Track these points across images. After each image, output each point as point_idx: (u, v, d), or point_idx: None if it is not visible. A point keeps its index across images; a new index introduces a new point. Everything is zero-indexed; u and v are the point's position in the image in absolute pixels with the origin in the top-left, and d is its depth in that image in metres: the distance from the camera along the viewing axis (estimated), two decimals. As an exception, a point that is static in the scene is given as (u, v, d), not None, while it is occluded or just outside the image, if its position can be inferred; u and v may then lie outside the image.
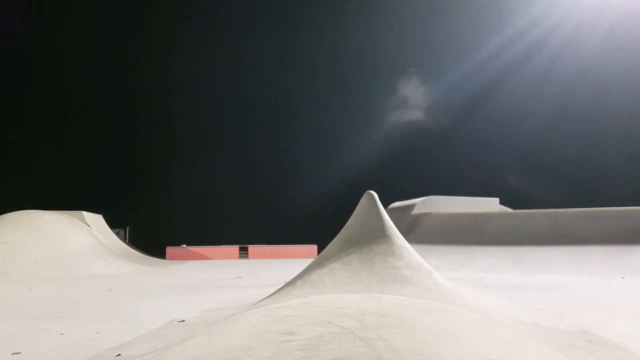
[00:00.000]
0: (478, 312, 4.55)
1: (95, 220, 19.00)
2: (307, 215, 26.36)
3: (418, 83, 30.21)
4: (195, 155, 30.90)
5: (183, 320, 5.77)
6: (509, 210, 19.46)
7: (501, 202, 20.97)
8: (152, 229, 25.73)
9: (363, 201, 6.40)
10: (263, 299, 5.49)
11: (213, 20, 30.87)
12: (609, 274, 10.77)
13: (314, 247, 23.16)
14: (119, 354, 4.11)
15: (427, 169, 28.28)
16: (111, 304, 7.58)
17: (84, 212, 18.29)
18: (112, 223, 21.16)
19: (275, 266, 17.23)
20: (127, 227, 25.19)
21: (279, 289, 5.62)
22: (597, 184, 25.73)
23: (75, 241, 15.43)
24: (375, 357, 2.31)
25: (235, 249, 24.56)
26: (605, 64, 27.68)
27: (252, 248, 24.55)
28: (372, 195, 6.38)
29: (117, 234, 21.57)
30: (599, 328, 4.75)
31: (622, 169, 25.98)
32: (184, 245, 24.66)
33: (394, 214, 13.35)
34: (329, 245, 6.12)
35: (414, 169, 28.34)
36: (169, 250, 23.87)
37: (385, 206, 6.76)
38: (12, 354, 4.18)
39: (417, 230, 16.48)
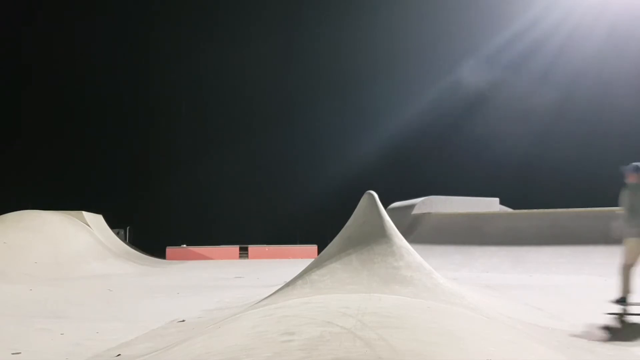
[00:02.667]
0: (478, 312, 4.55)
1: (95, 220, 19.00)
2: (307, 215, 26.37)
3: (418, 83, 30.20)
4: (196, 155, 30.92)
5: (183, 320, 5.77)
6: (509, 210, 19.46)
7: (501, 202, 20.97)
8: (152, 229, 25.74)
9: (363, 201, 6.40)
10: (263, 299, 5.49)
11: (214, 20, 30.89)
12: (609, 274, 10.75)
13: (314, 247, 23.16)
14: (119, 354, 4.11)
15: (427, 169, 28.28)
16: (111, 304, 7.57)
17: (84, 212, 18.29)
18: (112, 223, 21.16)
19: (275, 266, 17.23)
20: (127, 227, 25.20)
21: (279, 289, 5.61)
22: (597, 184, 25.71)
23: (75, 241, 15.42)
24: (375, 357, 2.31)
25: (235, 249, 24.56)
26: (606, 63, 27.67)
27: (252, 248, 24.55)
28: (372, 196, 6.37)
29: (117, 234, 21.57)
30: (598, 328, 4.75)
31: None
32: (184, 245, 24.67)
33: (394, 214, 13.34)
34: (329, 245, 6.12)
35: (414, 169, 28.35)
36: (169, 250, 23.88)
37: (385, 206, 6.76)
38: (12, 354, 4.17)
39: (417, 230, 16.48)
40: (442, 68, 29.91)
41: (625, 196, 5.98)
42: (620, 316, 5.36)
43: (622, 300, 5.53)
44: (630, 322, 5.25)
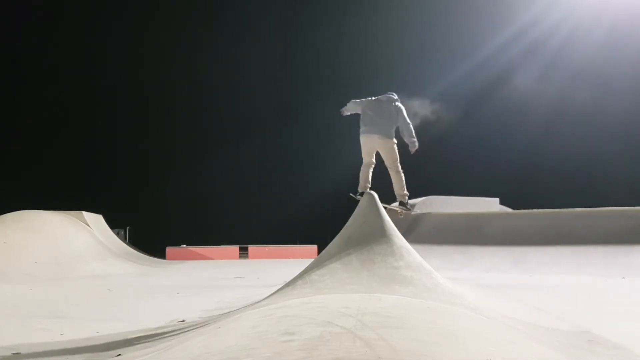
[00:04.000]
0: (478, 312, 4.55)
1: (95, 220, 19.00)
2: (307, 215, 26.36)
3: (418, 82, 30.19)
4: (196, 155, 30.92)
5: (183, 320, 5.77)
6: (509, 210, 19.46)
7: (501, 202, 20.97)
8: (152, 229, 25.75)
9: (363, 201, 6.40)
10: (263, 299, 5.49)
11: (213, 19, 30.88)
12: (609, 274, 10.76)
13: (314, 247, 23.16)
14: (119, 354, 4.11)
15: (427, 169, 28.26)
16: (111, 304, 7.57)
17: (84, 212, 18.29)
18: (112, 223, 21.16)
19: (275, 266, 17.23)
20: (127, 227, 25.20)
21: (279, 289, 5.61)
22: (597, 184, 25.74)
23: (75, 241, 15.43)
24: (375, 357, 2.31)
25: (235, 249, 24.56)
26: (606, 64, 27.68)
27: (252, 248, 24.55)
28: (372, 195, 6.38)
29: (117, 234, 21.57)
30: (599, 328, 4.75)
31: (622, 169, 25.99)
32: (184, 245, 24.66)
33: (394, 214, 13.31)
34: (329, 245, 6.12)
35: (414, 169, 28.30)
36: (169, 250, 23.87)
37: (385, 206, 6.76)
38: (12, 354, 4.17)
39: (417, 230, 16.47)
40: (441, 68, 29.90)
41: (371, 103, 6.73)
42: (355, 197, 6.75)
43: (360, 194, 6.74)
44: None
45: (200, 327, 4.89)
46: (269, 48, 30.07)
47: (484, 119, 28.51)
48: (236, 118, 31.07)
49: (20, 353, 4.21)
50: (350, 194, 6.94)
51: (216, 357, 2.65)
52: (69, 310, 6.90)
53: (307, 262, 6.64)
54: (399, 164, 6.90)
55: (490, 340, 3.26)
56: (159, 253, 22.73)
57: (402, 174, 6.93)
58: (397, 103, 7.00)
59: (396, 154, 6.88)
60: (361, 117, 7.12)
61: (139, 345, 4.43)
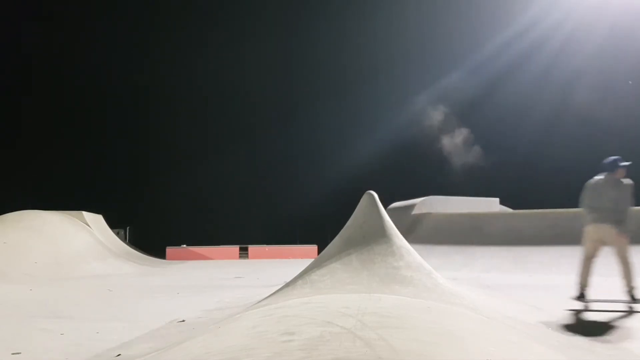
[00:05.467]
0: (478, 312, 4.56)
1: (95, 220, 19.00)
2: (307, 215, 26.37)
3: (418, 83, 30.19)
4: (196, 155, 30.93)
5: (183, 320, 5.77)
6: (509, 210, 19.45)
7: (501, 202, 20.96)
8: (152, 229, 25.76)
9: (363, 201, 6.40)
10: (263, 299, 5.49)
11: (214, 20, 30.89)
12: (608, 274, 10.74)
13: (314, 247, 23.15)
14: (119, 354, 4.11)
15: (427, 169, 28.29)
16: (111, 304, 7.57)
17: (84, 212, 18.30)
18: (112, 223, 21.17)
19: (275, 266, 17.23)
20: (127, 227, 25.21)
21: (279, 289, 5.62)
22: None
23: (75, 241, 15.42)
24: (375, 357, 2.31)
25: (235, 249, 24.56)
26: (606, 64, 27.68)
27: (252, 248, 24.55)
28: (372, 196, 6.37)
29: (117, 234, 21.58)
30: (598, 328, 4.75)
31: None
32: (184, 245, 24.66)
33: (394, 214, 13.33)
34: (329, 245, 6.12)
35: (414, 170, 28.36)
36: (169, 250, 23.87)
37: (385, 206, 6.76)
38: (12, 354, 4.17)
39: (417, 230, 16.46)
40: (443, 68, 29.92)
41: (609, 191, 6.04)
42: (580, 312, 5.64)
43: (581, 296, 5.90)
44: (590, 318, 5.40)
45: (201, 327, 4.89)
46: (269, 48, 30.08)
47: (484, 119, 28.53)
48: (236, 118, 31.10)
49: (20, 353, 4.21)
50: (574, 298, 5.90)
51: (216, 357, 2.64)
52: (69, 310, 6.89)
53: (307, 262, 6.64)
54: (628, 255, 5.99)
55: (490, 340, 3.26)
56: (159, 253, 22.73)
57: (631, 265, 5.86)
58: (625, 180, 6.09)
59: (627, 245, 5.95)
60: (587, 201, 6.00)
61: (139, 346, 4.43)
